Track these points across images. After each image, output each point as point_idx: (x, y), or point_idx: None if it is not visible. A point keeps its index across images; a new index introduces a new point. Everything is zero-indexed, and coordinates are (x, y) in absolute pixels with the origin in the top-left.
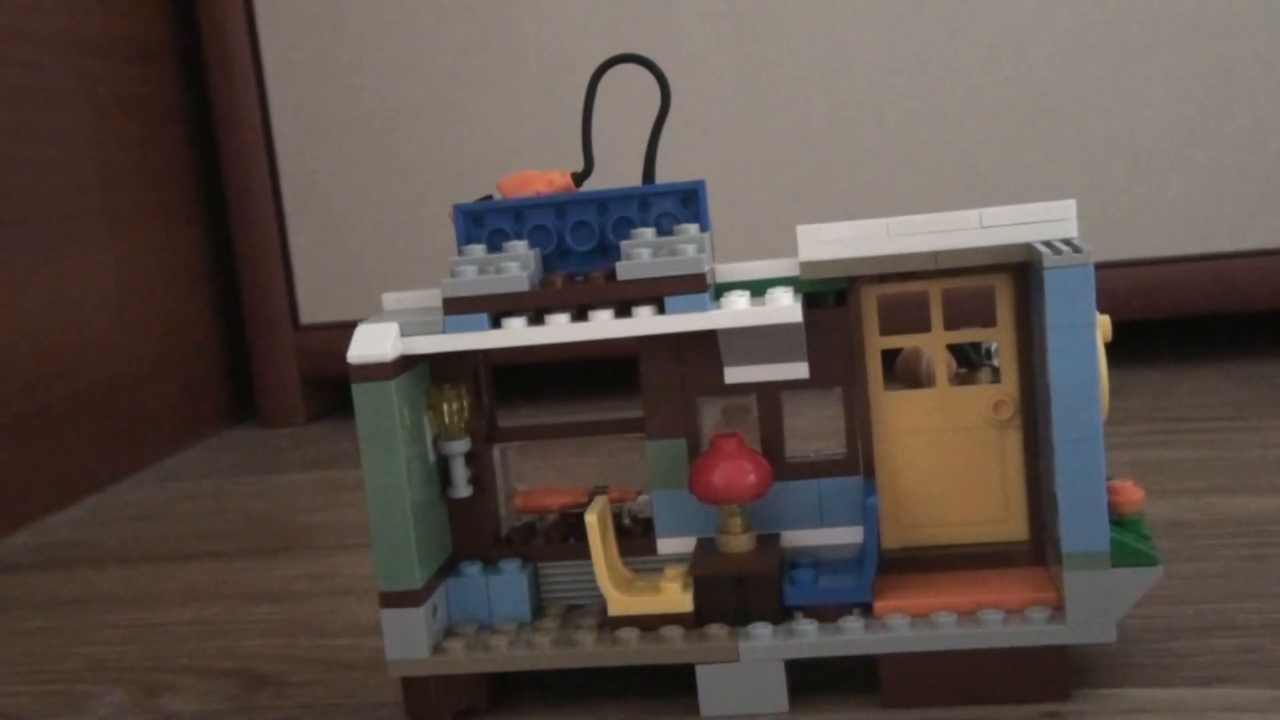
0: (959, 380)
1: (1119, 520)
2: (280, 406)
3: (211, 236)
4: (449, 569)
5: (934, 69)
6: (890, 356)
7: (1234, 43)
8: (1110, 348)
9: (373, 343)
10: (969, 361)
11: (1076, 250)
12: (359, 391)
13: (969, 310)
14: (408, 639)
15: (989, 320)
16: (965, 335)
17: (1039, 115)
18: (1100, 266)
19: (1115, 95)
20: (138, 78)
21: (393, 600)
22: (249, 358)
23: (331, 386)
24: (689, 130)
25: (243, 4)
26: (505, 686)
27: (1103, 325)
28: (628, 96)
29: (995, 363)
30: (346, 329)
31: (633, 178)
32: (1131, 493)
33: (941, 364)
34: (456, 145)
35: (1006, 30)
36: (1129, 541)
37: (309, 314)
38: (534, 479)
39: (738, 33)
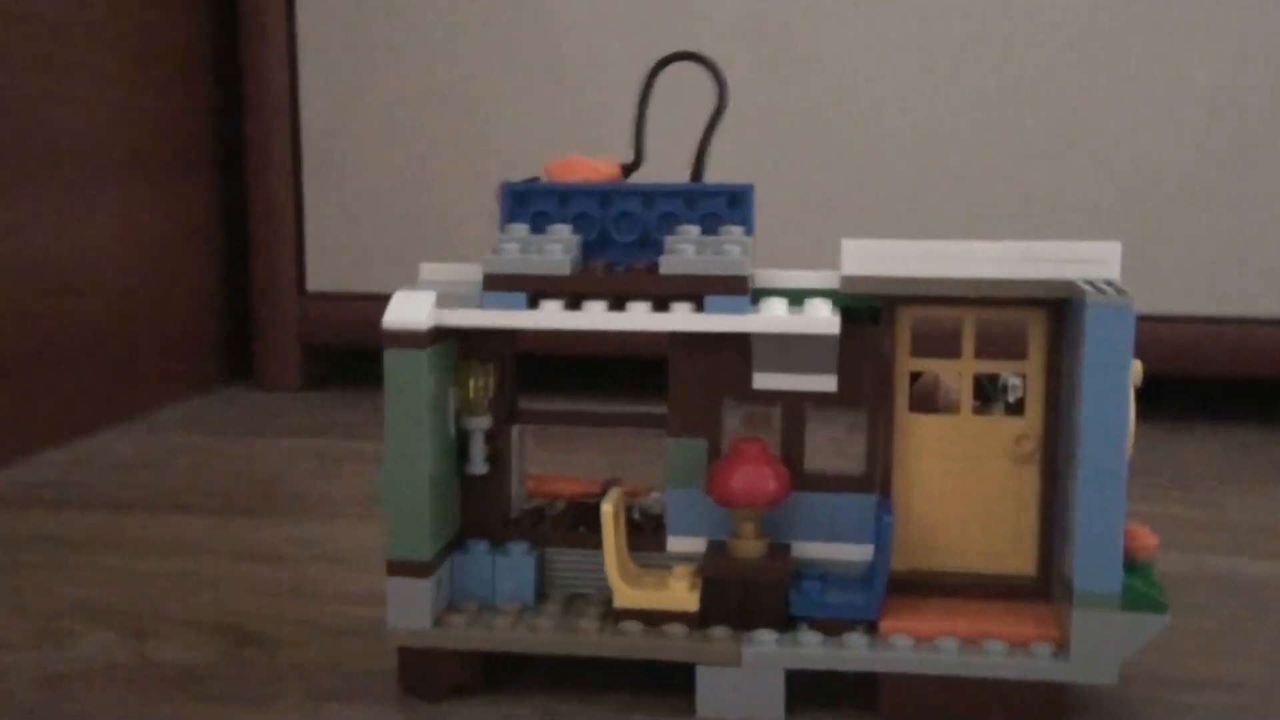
0: (973, 412)
1: (1130, 565)
2: (278, 370)
3: (227, 191)
4: (457, 544)
5: (978, 100)
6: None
7: (1256, 109)
8: None
9: (409, 310)
10: (985, 394)
11: (1120, 292)
12: (390, 357)
13: (992, 345)
14: (411, 609)
15: (1010, 354)
16: (994, 366)
17: (1069, 160)
18: None
19: (1136, 153)
20: (167, 22)
21: (400, 569)
22: (251, 318)
23: (330, 355)
24: (736, 135)
25: None
26: (498, 669)
27: (1135, 370)
28: (681, 94)
29: (1010, 398)
30: (351, 300)
31: (675, 175)
32: (1147, 539)
33: (967, 392)
34: (485, 129)
35: (1043, 75)
36: (1140, 586)
37: (316, 281)
38: (546, 469)
39: (787, 43)
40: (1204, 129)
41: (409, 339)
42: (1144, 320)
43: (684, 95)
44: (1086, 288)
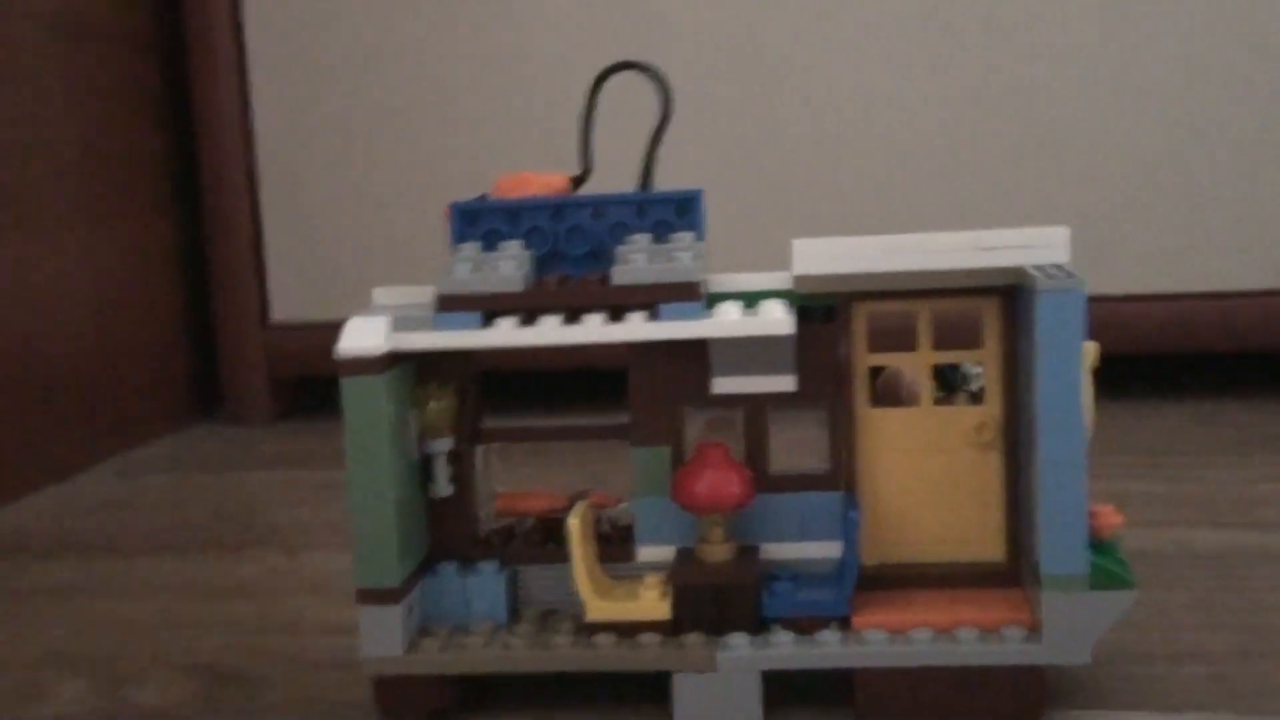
0: (936, 403)
1: (1096, 544)
2: (247, 404)
3: (186, 228)
4: (426, 568)
5: (927, 96)
6: (873, 376)
7: (1212, 94)
8: None
9: (363, 336)
10: (947, 385)
11: (1069, 275)
12: (347, 385)
13: (952, 334)
14: (383, 637)
15: (971, 345)
16: (952, 356)
17: (1025, 150)
18: None
19: (1097, 137)
20: (120, 63)
21: (370, 597)
22: (217, 354)
23: (300, 386)
24: (684, 140)
25: None
26: (478, 689)
27: (1090, 352)
28: (626, 102)
29: (972, 388)
30: (317, 329)
31: (628, 184)
32: (1111, 517)
33: (926, 384)
34: (440, 150)
35: (1000, 65)
36: (1107, 565)
37: (280, 312)
38: (514, 485)
39: (735, 47)
40: (1157, 110)
41: (365, 365)
42: (1104, 300)
43: (630, 104)
44: (1036, 273)
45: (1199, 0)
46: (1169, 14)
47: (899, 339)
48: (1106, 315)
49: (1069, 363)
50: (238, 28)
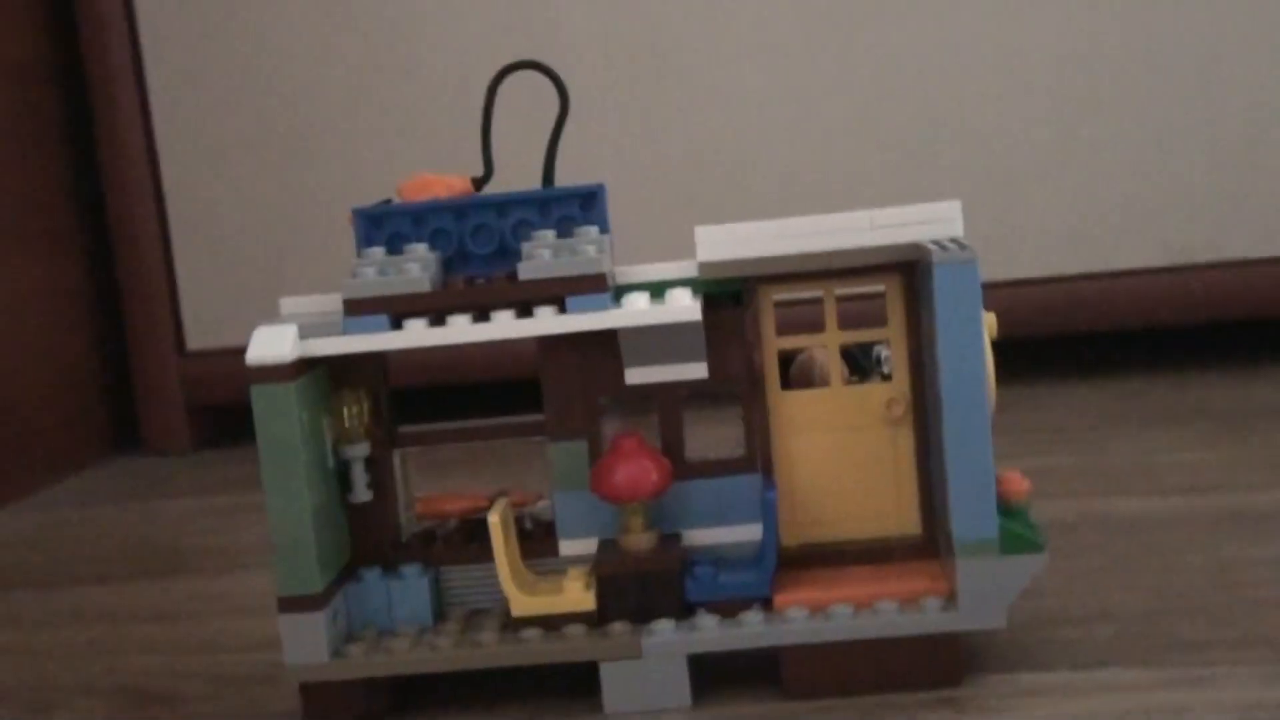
0: (847, 385)
1: (1006, 510)
2: (165, 434)
3: (95, 261)
4: (349, 575)
5: (823, 86)
6: (788, 361)
7: (1099, 76)
8: None
9: (271, 344)
10: (860, 369)
11: (963, 248)
12: (258, 394)
13: (861, 317)
14: (307, 644)
15: (878, 324)
16: (858, 335)
17: (920, 137)
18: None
19: (989, 124)
20: (17, 99)
21: (292, 605)
22: (133, 384)
23: (219, 414)
24: (585, 136)
25: (126, 25)
26: (408, 693)
27: (989, 322)
28: (526, 102)
29: (885, 369)
30: (235, 355)
31: (532, 183)
32: (1018, 483)
33: (835, 364)
34: (348, 169)
35: (890, 54)
36: (1016, 529)
37: (195, 340)
38: (433, 490)
39: (629, 47)
40: (1055, 93)
41: (275, 373)
42: (1010, 285)
43: (529, 104)
44: (932, 247)
45: None
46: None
47: (808, 322)
48: (1015, 299)
49: (969, 333)
50: (136, 53)
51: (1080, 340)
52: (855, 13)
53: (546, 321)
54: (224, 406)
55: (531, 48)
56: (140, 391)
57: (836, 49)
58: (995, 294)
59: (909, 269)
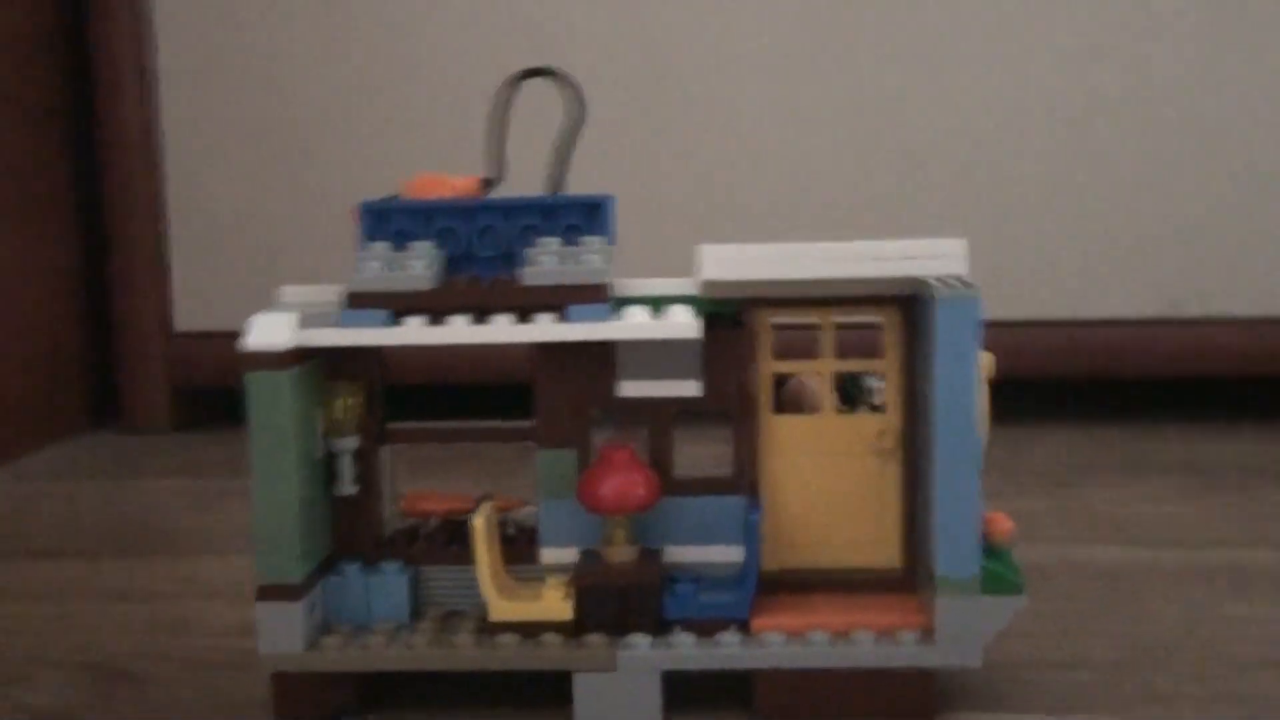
0: (837, 413)
1: (988, 550)
2: (146, 413)
3: (89, 237)
4: (329, 567)
5: (824, 112)
6: (779, 384)
7: (1100, 126)
8: None
9: (269, 332)
10: (849, 398)
11: (966, 285)
12: (252, 380)
13: (854, 346)
14: (283, 634)
15: (874, 355)
16: (854, 364)
17: (921, 172)
18: None
19: (991, 162)
20: (20, 68)
21: (270, 593)
22: (118, 360)
23: (202, 396)
24: (595, 146)
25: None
26: (379, 690)
27: (987, 362)
28: (537, 108)
29: (874, 401)
30: (222, 338)
31: (535, 188)
32: (1002, 524)
33: (827, 391)
34: (347, 163)
35: (894, 86)
36: (998, 569)
37: (184, 320)
38: (419, 487)
39: (634, 64)
40: (1052, 139)
41: (270, 360)
42: (1004, 325)
43: (544, 109)
44: (934, 283)
45: (1093, 34)
46: (1064, 47)
47: (803, 347)
48: (1006, 340)
49: (965, 371)
50: (143, 33)
51: (1064, 384)
52: (861, 45)
53: (545, 329)
54: (206, 389)
55: (535, 59)
56: (124, 368)
57: (841, 78)
58: (987, 332)
59: (908, 303)
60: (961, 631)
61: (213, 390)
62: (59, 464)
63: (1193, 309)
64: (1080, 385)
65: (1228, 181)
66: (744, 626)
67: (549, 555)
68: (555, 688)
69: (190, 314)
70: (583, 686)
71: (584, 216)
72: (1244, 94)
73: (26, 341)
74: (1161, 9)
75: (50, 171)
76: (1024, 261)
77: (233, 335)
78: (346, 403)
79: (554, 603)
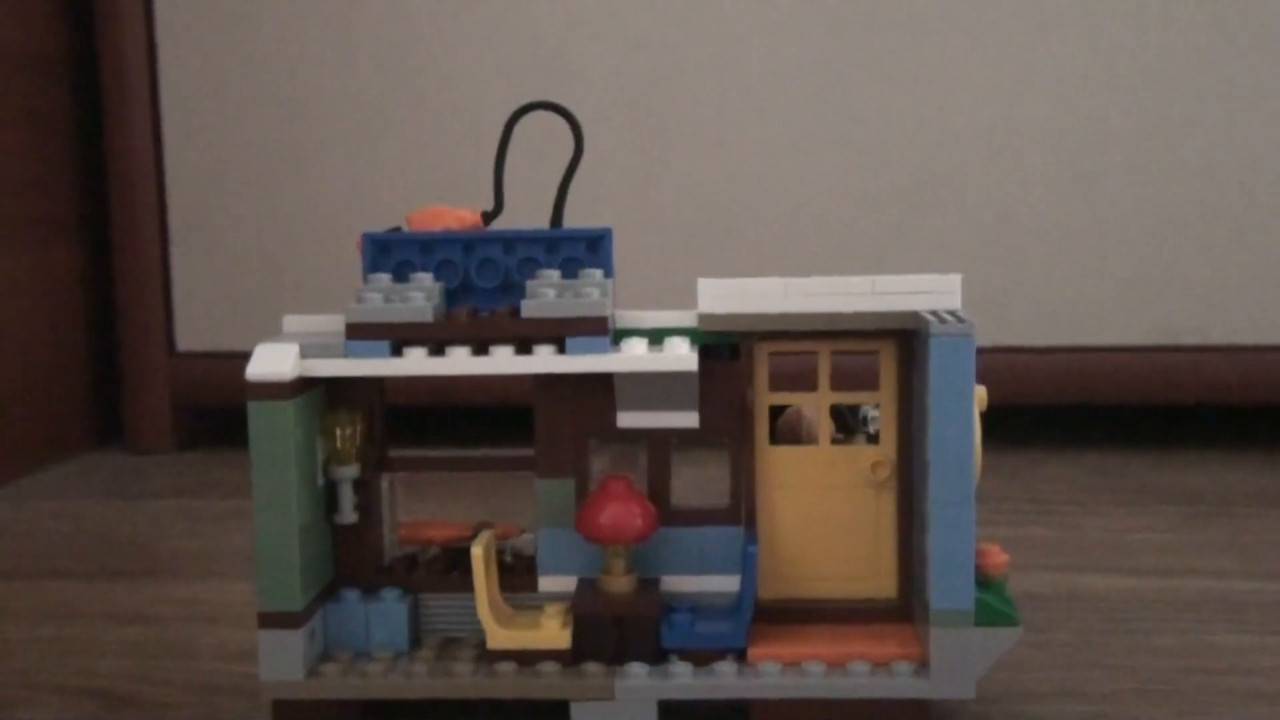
0: (834, 443)
1: (982, 582)
2: (149, 433)
3: (93, 256)
4: (329, 594)
5: (828, 146)
6: (775, 415)
7: (1098, 156)
8: None
9: (273, 361)
10: (846, 427)
11: (961, 321)
12: (255, 409)
13: (851, 378)
14: (283, 661)
15: (870, 387)
16: (850, 397)
17: (919, 202)
18: None
19: (988, 192)
20: (28, 86)
21: (272, 621)
22: (120, 380)
23: (205, 416)
24: (595, 180)
25: (144, 22)
26: (379, 716)
27: (979, 395)
28: (539, 141)
29: (871, 430)
30: (224, 358)
31: (537, 221)
32: (997, 556)
33: (824, 423)
34: (353, 185)
35: (893, 120)
36: (992, 602)
37: (186, 341)
38: (418, 513)
39: (634, 97)
40: (1048, 165)
41: (274, 390)
42: (999, 351)
43: (543, 143)
44: (930, 318)
45: (1092, 68)
46: (1064, 75)
47: (800, 379)
48: (1002, 366)
49: (960, 405)
50: (151, 53)
51: (1061, 411)
52: (864, 75)
53: (545, 360)
54: (209, 409)
55: (538, 93)
56: (127, 388)
57: (841, 111)
58: (980, 359)
59: (904, 336)
60: (955, 663)
61: (216, 410)
62: (61, 484)
63: (1192, 337)
64: (1079, 413)
65: (1226, 211)
66: (740, 656)
67: (547, 583)
68: (553, 716)
69: (194, 334)
70: (580, 715)
71: (583, 249)
72: (1243, 126)
73: (29, 361)
74: (1161, 43)
75: (55, 191)
76: (1023, 288)
77: (236, 355)
78: (347, 431)
79: (552, 631)
